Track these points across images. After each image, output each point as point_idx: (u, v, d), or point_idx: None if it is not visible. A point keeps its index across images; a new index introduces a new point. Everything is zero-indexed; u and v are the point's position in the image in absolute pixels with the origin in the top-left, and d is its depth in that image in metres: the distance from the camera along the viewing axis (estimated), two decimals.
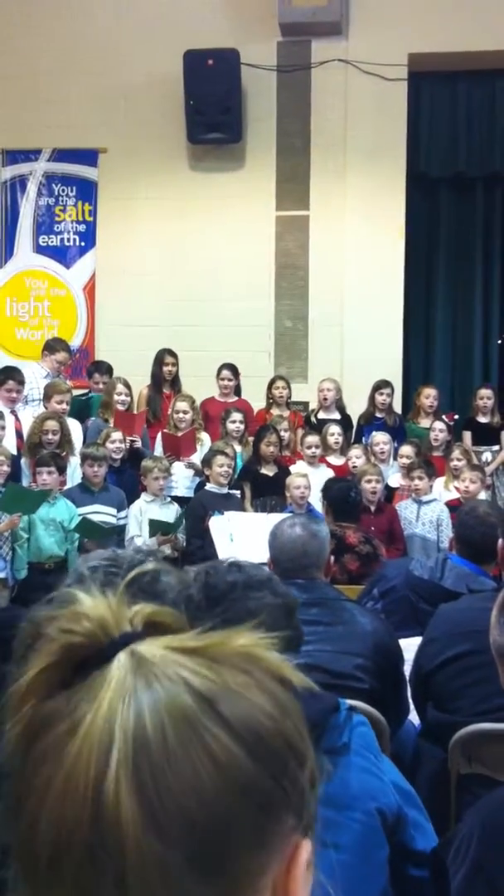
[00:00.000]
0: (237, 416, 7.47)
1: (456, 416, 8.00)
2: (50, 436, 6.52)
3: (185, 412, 7.31)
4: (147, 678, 0.61)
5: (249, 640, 0.67)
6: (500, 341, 9.32)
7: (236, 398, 8.01)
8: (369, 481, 6.60)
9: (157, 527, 6.40)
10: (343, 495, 5.19)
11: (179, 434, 7.18)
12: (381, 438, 7.40)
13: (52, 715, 0.62)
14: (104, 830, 0.57)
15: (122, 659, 0.63)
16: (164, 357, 7.94)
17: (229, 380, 7.98)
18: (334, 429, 7.49)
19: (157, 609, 0.68)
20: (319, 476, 6.77)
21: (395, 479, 7.18)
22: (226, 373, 7.97)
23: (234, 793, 0.60)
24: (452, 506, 6.43)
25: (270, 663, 0.66)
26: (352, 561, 4.72)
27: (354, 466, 7.02)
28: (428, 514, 6.72)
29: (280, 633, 0.70)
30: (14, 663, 0.71)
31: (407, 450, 7.17)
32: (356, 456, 7.15)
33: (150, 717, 0.59)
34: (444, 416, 7.81)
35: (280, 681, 0.66)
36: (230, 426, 7.42)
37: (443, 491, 6.97)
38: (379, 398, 7.86)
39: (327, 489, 5.43)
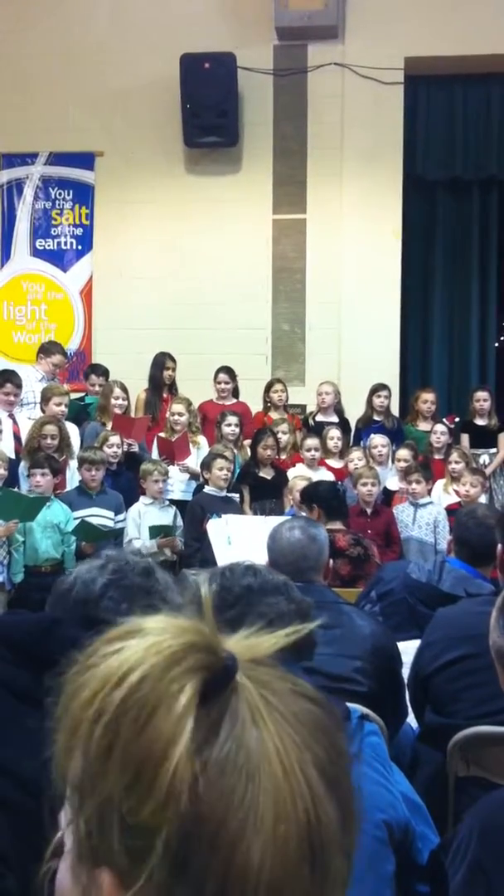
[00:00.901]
0: (232, 419, 7.47)
1: (457, 419, 8.00)
2: (48, 440, 6.52)
3: (180, 414, 7.31)
4: (281, 703, 0.65)
5: (274, 640, 0.69)
6: (496, 344, 9.33)
7: (234, 401, 8.01)
8: (365, 484, 6.60)
9: (156, 531, 6.42)
10: (332, 493, 5.13)
11: (173, 438, 7.18)
12: (379, 441, 7.40)
13: (224, 757, 0.62)
14: (321, 845, 0.63)
15: (250, 689, 0.65)
16: (164, 361, 7.92)
17: (226, 383, 7.97)
18: (334, 432, 7.49)
19: (270, 643, 0.70)
20: (319, 479, 6.76)
21: (393, 481, 7.18)
22: (223, 376, 7.97)
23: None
24: (453, 510, 6.42)
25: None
26: (343, 565, 4.69)
27: (356, 468, 7.02)
28: (425, 517, 6.72)
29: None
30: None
31: (404, 453, 7.18)
32: (357, 458, 7.14)
33: (311, 736, 0.65)
34: (444, 419, 7.81)
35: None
36: (225, 429, 7.41)
37: (442, 494, 6.97)
38: (376, 401, 7.87)
39: (312, 492, 5.35)
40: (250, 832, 0.61)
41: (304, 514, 5.30)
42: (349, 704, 1.81)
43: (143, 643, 0.65)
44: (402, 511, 6.81)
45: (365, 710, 1.93)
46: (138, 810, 0.61)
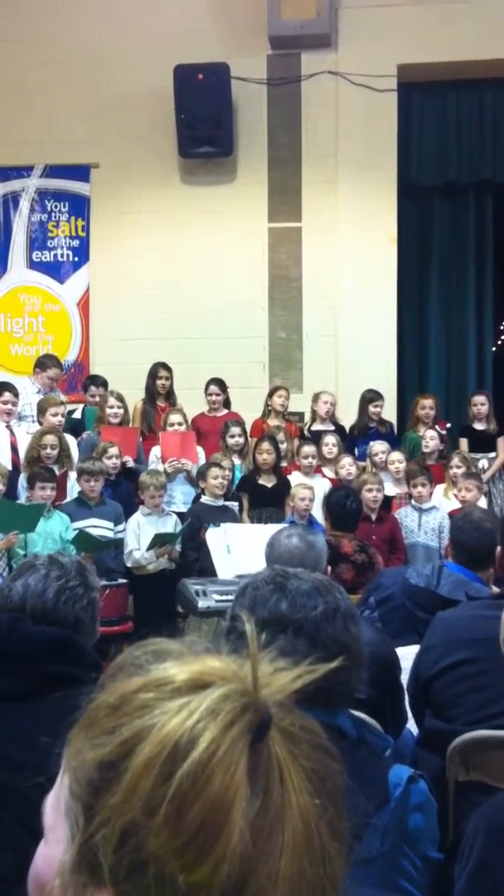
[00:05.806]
0: (236, 429, 7.47)
1: (448, 425, 8.01)
2: (48, 450, 6.52)
3: (179, 424, 7.31)
4: (303, 757, 0.67)
5: (296, 677, 0.70)
6: (494, 348, 9.33)
7: (226, 412, 7.98)
8: (370, 490, 6.61)
9: (161, 539, 6.40)
10: (340, 504, 5.17)
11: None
12: (379, 447, 7.41)
13: (257, 814, 0.64)
14: (329, 873, 0.66)
15: (279, 742, 0.66)
16: (157, 371, 7.91)
17: (217, 395, 7.95)
18: (329, 439, 7.49)
19: (290, 680, 0.69)
20: (317, 487, 6.77)
21: (389, 487, 7.18)
22: (213, 388, 7.95)
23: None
24: (455, 515, 6.42)
25: None
26: (347, 571, 4.70)
27: (349, 473, 7.02)
28: (430, 523, 6.72)
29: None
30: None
31: (396, 456, 7.20)
32: (349, 465, 7.14)
33: (324, 791, 0.68)
34: (436, 426, 7.82)
35: None
36: (230, 440, 7.42)
37: (442, 499, 6.97)
38: (373, 410, 7.89)
39: (328, 497, 5.41)
40: (270, 887, 0.63)
41: (303, 522, 5.31)
42: (397, 767, 1.67)
43: (199, 703, 0.65)
44: (406, 516, 6.81)
45: (412, 771, 1.76)
46: (193, 870, 0.61)
